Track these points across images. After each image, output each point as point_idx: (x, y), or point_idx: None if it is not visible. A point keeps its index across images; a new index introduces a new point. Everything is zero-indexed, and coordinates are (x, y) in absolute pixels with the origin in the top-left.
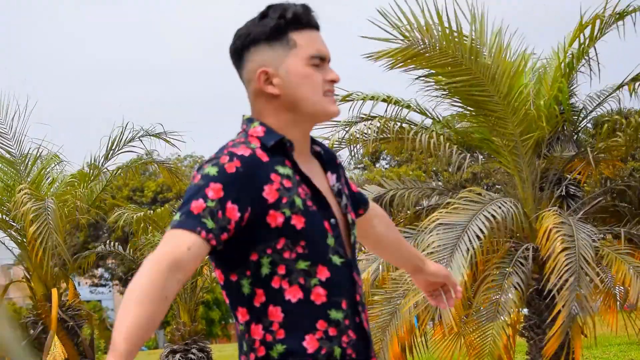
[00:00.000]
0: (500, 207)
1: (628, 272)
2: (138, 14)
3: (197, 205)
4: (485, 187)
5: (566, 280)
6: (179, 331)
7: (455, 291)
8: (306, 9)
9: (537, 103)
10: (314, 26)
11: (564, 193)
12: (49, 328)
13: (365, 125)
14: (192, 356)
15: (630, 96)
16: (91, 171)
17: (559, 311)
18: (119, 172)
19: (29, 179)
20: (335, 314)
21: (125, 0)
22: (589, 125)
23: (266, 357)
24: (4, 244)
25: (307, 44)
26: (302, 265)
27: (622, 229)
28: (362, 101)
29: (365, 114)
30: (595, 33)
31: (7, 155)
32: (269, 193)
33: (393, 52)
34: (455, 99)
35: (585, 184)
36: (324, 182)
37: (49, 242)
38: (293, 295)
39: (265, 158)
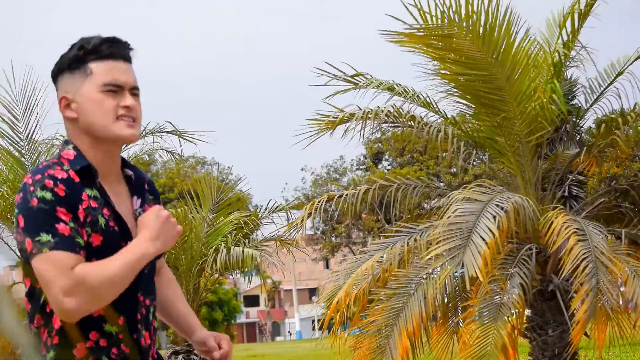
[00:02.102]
0: (514, 196)
1: (629, 274)
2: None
3: (63, 228)
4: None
5: (584, 269)
6: None
7: (216, 356)
8: (111, 41)
9: (540, 102)
10: (120, 57)
11: (566, 194)
12: None
13: (378, 107)
14: (195, 357)
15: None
16: None
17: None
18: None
19: None
20: (109, 327)
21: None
22: (592, 125)
23: (44, 358)
24: (7, 244)
25: (103, 73)
26: None
27: (623, 230)
28: (365, 88)
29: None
30: (575, 25)
31: (16, 154)
32: (81, 212)
33: (409, 32)
34: (459, 97)
35: (587, 184)
36: (128, 205)
37: None
38: None
39: (76, 179)
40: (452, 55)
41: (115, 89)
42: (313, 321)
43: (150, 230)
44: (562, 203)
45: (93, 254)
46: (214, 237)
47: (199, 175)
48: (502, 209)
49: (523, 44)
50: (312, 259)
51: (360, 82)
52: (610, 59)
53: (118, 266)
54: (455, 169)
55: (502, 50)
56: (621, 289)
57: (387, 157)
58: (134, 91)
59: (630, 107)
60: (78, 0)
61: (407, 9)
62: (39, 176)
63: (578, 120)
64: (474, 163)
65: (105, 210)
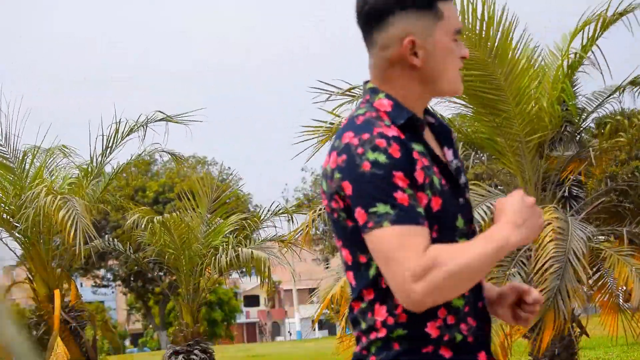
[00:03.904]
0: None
1: (630, 274)
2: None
3: (402, 197)
4: None
5: (550, 266)
6: (182, 332)
7: (529, 297)
8: None
9: (539, 103)
10: None
11: (566, 194)
12: (51, 329)
13: None
14: (195, 357)
15: (634, 96)
16: (91, 169)
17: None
18: (120, 169)
19: (28, 180)
20: (456, 301)
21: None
22: (592, 125)
23: (386, 338)
24: (7, 245)
25: (452, 17)
26: None
27: (624, 229)
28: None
29: None
30: (597, 32)
31: (4, 161)
32: (419, 174)
33: None
34: (458, 98)
35: (587, 184)
36: (441, 157)
37: (79, 224)
38: None
39: (402, 135)
40: None
41: (457, 38)
42: (313, 321)
43: (515, 215)
44: (562, 203)
45: (434, 220)
46: (213, 237)
47: (197, 176)
48: (482, 219)
49: (521, 45)
50: (312, 259)
51: (357, 94)
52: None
53: (478, 253)
54: None
55: (499, 50)
56: (622, 290)
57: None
58: None
59: (628, 107)
60: (78, 0)
61: None
62: (367, 135)
63: (579, 122)
64: (474, 163)
65: (435, 168)
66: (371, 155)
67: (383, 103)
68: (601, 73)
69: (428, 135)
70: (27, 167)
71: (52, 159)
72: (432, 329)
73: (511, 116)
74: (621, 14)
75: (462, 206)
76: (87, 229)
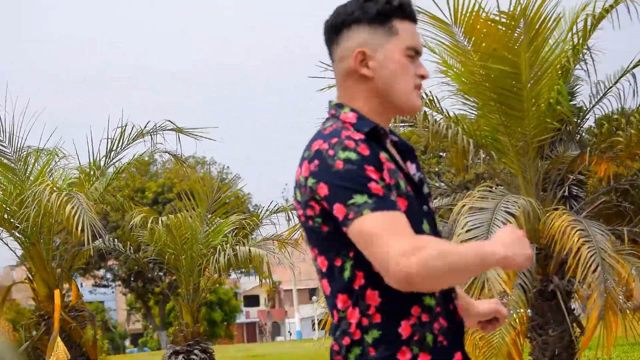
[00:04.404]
0: (519, 199)
1: (632, 274)
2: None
3: (376, 187)
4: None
5: (594, 271)
6: (182, 332)
7: (503, 320)
8: (408, 2)
9: (543, 104)
10: (414, 19)
11: (567, 194)
12: (51, 329)
13: None
14: (195, 357)
15: (631, 88)
16: (93, 171)
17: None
18: (121, 169)
19: (30, 180)
20: (428, 300)
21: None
22: (592, 124)
23: (360, 340)
24: (7, 245)
25: (407, 34)
26: None
27: (625, 228)
28: None
29: None
30: (587, 30)
31: (6, 161)
32: (385, 174)
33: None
34: (468, 94)
35: (588, 184)
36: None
37: (85, 220)
38: None
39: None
40: (485, 44)
41: (414, 55)
42: (313, 321)
43: (504, 237)
44: (562, 203)
45: None
46: (213, 237)
47: (197, 176)
48: (511, 214)
49: (553, 45)
50: (312, 259)
51: None
52: (619, 63)
53: (466, 252)
54: (455, 169)
55: (537, 51)
56: (623, 289)
57: None
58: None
59: (629, 106)
60: (78, 0)
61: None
62: (335, 139)
63: (579, 121)
64: (478, 162)
65: (400, 174)
66: (342, 154)
67: (348, 116)
68: (595, 72)
69: (391, 149)
70: (29, 168)
71: (53, 160)
72: (405, 329)
73: (523, 115)
74: (607, 10)
75: (426, 213)
76: (94, 223)
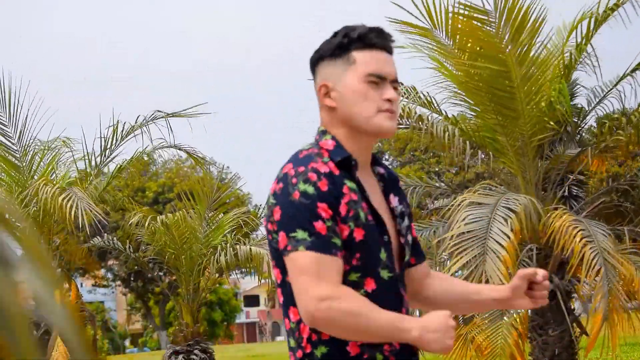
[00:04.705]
0: (520, 197)
1: (636, 273)
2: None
3: (321, 226)
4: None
5: (598, 272)
6: (182, 332)
7: (539, 277)
8: (376, 31)
9: (545, 102)
10: (383, 48)
11: (566, 194)
12: (52, 329)
13: None
14: (195, 357)
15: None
16: (91, 169)
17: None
18: (120, 168)
19: (34, 178)
20: None
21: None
22: (593, 124)
23: (311, 355)
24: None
25: (366, 62)
26: (354, 277)
27: (626, 228)
28: None
29: None
30: (591, 30)
31: (12, 159)
32: (342, 207)
33: (418, 28)
34: (466, 94)
35: (588, 184)
36: (382, 201)
37: (80, 206)
38: None
39: (336, 171)
40: (464, 45)
41: (377, 80)
42: None
43: (432, 323)
44: (562, 203)
45: (357, 249)
46: (213, 237)
47: (197, 176)
48: (511, 210)
49: (540, 45)
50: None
51: None
52: (619, 63)
53: (377, 318)
54: (456, 169)
55: (524, 48)
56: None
57: (387, 156)
58: (395, 84)
59: (629, 107)
60: (78, 0)
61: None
62: (302, 168)
63: (579, 121)
64: (476, 162)
65: (363, 204)
66: (302, 186)
67: (327, 143)
68: (594, 72)
69: (369, 177)
70: (34, 167)
71: (59, 156)
72: (352, 347)
73: (519, 115)
74: (612, 9)
75: (386, 243)
76: (91, 209)
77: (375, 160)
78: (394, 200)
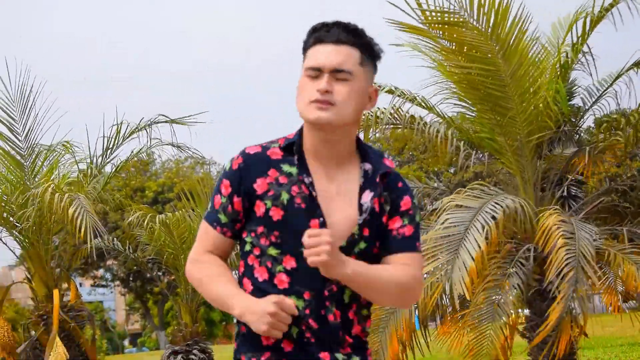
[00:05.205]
0: (507, 199)
1: (636, 273)
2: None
3: (217, 200)
4: None
5: (565, 275)
6: (181, 332)
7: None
8: (327, 26)
9: (541, 102)
10: (330, 40)
11: (565, 194)
12: (50, 329)
13: (378, 108)
14: (194, 357)
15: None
16: (91, 170)
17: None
18: (119, 168)
19: (36, 179)
20: (295, 301)
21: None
22: (591, 124)
23: (237, 333)
24: (6, 245)
25: (309, 58)
26: (273, 252)
27: (624, 228)
28: None
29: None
30: (587, 29)
31: (18, 157)
32: (259, 185)
33: (418, 25)
34: (461, 95)
35: (587, 184)
36: (345, 191)
37: (88, 221)
38: (260, 274)
39: (275, 156)
40: (457, 46)
41: (314, 74)
42: None
43: (253, 305)
44: (561, 203)
45: (275, 227)
46: None
47: (197, 176)
48: (492, 217)
49: (528, 42)
50: None
51: None
52: (615, 63)
53: (214, 287)
54: (454, 169)
55: (509, 45)
56: (622, 290)
57: (386, 156)
58: (339, 74)
59: (626, 106)
60: (78, 0)
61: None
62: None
63: (577, 121)
64: (473, 163)
65: (294, 188)
66: (226, 164)
67: (292, 133)
68: (590, 74)
69: (333, 167)
70: (37, 167)
71: (63, 156)
72: None
73: (514, 114)
74: (607, 9)
75: (321, 224)
76: (96, 226)
77: (364, 157)
78: (367, 196)
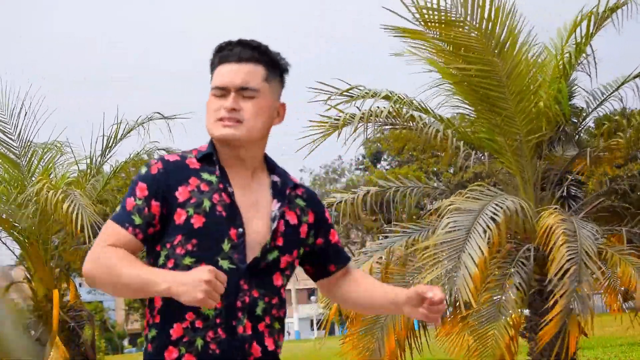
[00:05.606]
0: (507, 200)
1: (634, 273)
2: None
3: (130, 202)
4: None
5: (566, 271)
6: None
7: (434, 298)
8: (230, 44)
9: (540, 102)
10: (234, 59)
11: (565, 194)
12: (50, 329)
13: (377, 107)
14: None
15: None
16: (90, 169)
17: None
18: (119, 168)
19: (33, 178)
20: (207, 310)
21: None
22: (591, 124)
23: (146, 336)
24: (5, 244)
25: (215, 77)
26: (187, 261)
27: (624, 229)
28: (362, 99)
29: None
30: (590, 30)
31: (12, 156)
32: (181, 193)
33: (414, 28)
34: (459, 96)
35: (587, 185)
36: (260, 202)
37: (84, 216)
38: None
39: (194, 165)
40: (453, 47)
41: (220, 93)
42: (312, 321)
43: (183, 277)
44: (561, 203)
45: (194, 235)
46: None
47: None
48: (493, 219)
49: (525, 41)
50: None
51: (356, 94)
52: (615, 65)
53: (123, 271)
54: (453, 169)
55: (504, 46)
56: (621, 290)
57: (385, 156)
58: (245, 92)
59: (630, 107)
60: (78, 0)
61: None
62: (161, 156)
63: (578, 122)
64: (473, 163)
65: (216, 195)
66: (142, 169)
67: (204, 145)
68: (589, 75)
69: (250, 179)
70: (32, 167)
71: (58, 155)
72: (176, 331)
73: (511, 114)
74: (612, 10)
75: (239, 234)
76: (94, 220)
77: (272, 169)
78: (275, 205)
